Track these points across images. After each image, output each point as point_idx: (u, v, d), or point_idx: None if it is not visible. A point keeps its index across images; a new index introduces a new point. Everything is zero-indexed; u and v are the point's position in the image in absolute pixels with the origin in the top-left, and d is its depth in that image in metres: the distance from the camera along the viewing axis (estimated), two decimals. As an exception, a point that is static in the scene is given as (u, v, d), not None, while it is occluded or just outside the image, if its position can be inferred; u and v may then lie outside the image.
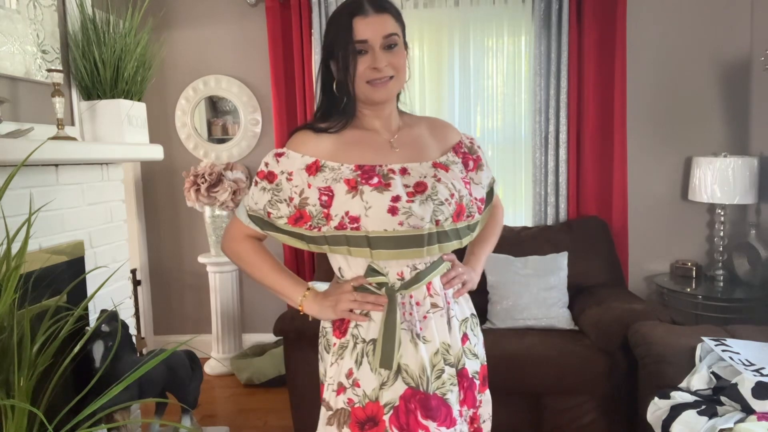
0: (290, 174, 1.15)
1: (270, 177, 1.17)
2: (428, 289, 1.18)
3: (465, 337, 1.24)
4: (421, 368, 1.13)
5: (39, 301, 1.72)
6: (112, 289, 2.31)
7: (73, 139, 2.01)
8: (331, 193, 1.12)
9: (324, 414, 1.18)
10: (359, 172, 1.13)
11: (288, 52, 3.26)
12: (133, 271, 3.33)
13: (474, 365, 1.25)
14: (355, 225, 1.10)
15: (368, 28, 1.11)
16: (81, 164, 2.16)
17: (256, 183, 1.19)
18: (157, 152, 2.43)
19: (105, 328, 1.97)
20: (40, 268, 1.83)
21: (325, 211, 1.12)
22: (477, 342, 1.28)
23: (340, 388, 1.15)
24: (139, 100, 2.39)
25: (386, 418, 1.11)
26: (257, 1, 3.33)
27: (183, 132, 3.52)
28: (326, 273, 2.69)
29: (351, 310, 1.16)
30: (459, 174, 1.21)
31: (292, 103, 3.29)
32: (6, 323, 1.33)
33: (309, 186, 1.14)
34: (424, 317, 1.17)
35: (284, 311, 2.47)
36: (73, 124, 2.26)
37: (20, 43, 1.96)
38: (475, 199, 1.23)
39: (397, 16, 1.16)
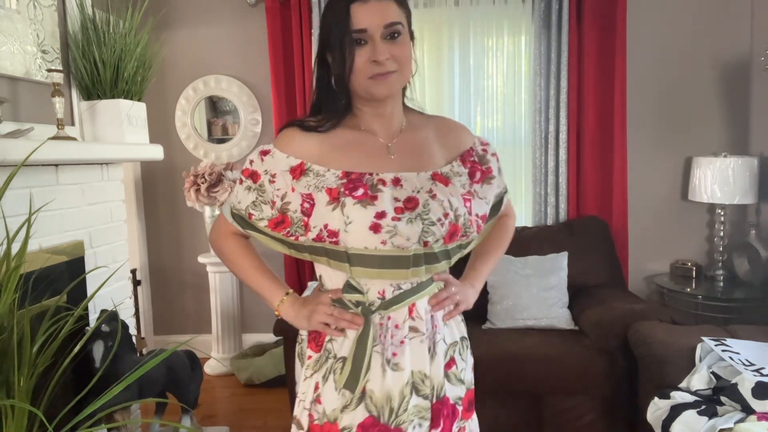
0: (273, 176, 1.06)
1: (254, 176, 1.09)
2: (410, 311, 1.06)
3: (452, 362, 1.13)
4: (386, 397, 1.04)
5: (39, 301, 1.72)
6: (112, 289, 2.31)
7: (73, 139, 2.01)
8: (312, 202, 1.03)
9: None
10: (344, 181, 1.02)
11: (288, 52, 3.26)
12: (133, 271, 3.33)
13: (457, 391, 1.14)
14: (334, 239, 1.01)
15: (367, 15, 0.99)
16: (81, 164, 2.16)
17: (241, 181, 1.11)
18: (157, 152, 2.43)
19: (105, 328, 1.97)
20: (40, 268, 1.83)
21: (305, 219, 1.04)
22: (465, 367, 1.17)
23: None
24: (139, 100, 2.39)
25: None
26: (257, 1, 3.33)
27: (183, 132, 3.52)
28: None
29: (327, 324, 1.08)
30: (460, 189, 1.08)
31: (292, 103, 3.29)
32: (6, 323, 1.33)
33: (293, 190, 1.05)
34: (401, 342, 1.05)
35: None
36: (73, 124, 2.26)
37: (20, 43, 1.96)
38: (476, 216, 1.10)
39: (401, 2, 1.04)
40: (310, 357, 1.11)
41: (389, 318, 1.05)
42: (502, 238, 1.28)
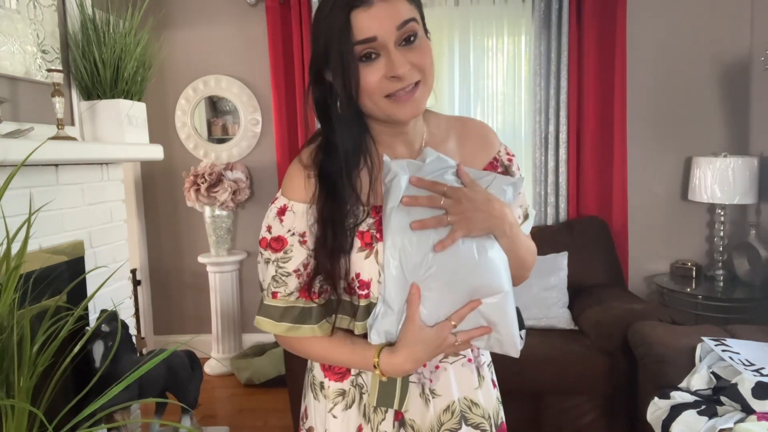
0: (302, 235, 0.89)
1: (276, 244, 0.90)
2: None
3: (493, 384, 1.04)
4: (429, 427, 0.94)
5: (39, 301, 1.72)
6: (112, 289, 2.31)
7: (73, 139, 2.01)
8: None
9: None
10: (375, 220, 0.88)
11: (288, 52, 3.26)
12: (133, 271, 3.33)
13: (503, 414, 1.05)
14: (365, 292, 0.88)
15: (375, 20, 0.79)
16: (81, 164, 2.16)
17: (261, 255, 0.93)
18: (157, 152, 2.43)
19: (105, 328, 1.97)
20: (40, 268, 1.83)
21: None
22: (497, 385, 1.08)
23: None
24: (139, 100, 2.39)
25: None
26: (257, 1, 3.33)
27: (183, 132, 3.52)
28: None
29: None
30: None
31: (292, 103, 3.30)
32: (6, 323, 1.33)
33: None
34: (436, 367, 0.94)
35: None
36: (73, 124, 2.26)
37: (20, 43, 1.96)
38: None
39: None
40: (329, 388, 0.97)
41: None
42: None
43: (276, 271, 0.90)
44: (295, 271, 0.89)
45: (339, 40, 0.80)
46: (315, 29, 0.85)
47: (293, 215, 0.89)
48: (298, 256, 0.89)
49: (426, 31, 0.87)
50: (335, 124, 0.87)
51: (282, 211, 0.90)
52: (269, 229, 0.91)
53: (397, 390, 0.91)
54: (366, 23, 0.79)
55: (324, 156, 0.89)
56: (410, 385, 0.93)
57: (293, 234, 0.89)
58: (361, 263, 0.87)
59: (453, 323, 0.86)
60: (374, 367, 0.88)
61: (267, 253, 0.91)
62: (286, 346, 0.96)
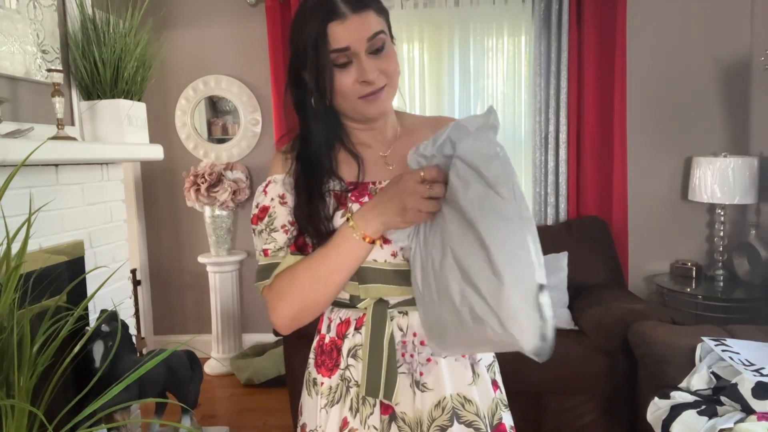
0: (282, 197, 0.98)
1: (262, 213, 0.99)
2: None
3: (495, 385, 1.04)
4: (417, 421, 0.95)
5: (39, 301, 1.72)
6: (112, 289, 2.31)
7: (73, 139, 2.00)
8: None
9: None
10: (351, 188, 0.97)
11: (288, 52, 3.26)
12: (133, 271, 3.33)
13: (509, 419, 1.04)
14: None
15: (348, 32, 0.89)
16: (81, 164, 2.16)
17: (254, 231, 1.01)
18: (157, 152, 2.43)
19: (105, 328, 1.97)
20: (40, 268, 1.83)
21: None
22: (502, 389, 1.08)
23: None
24: (139, 100, 2.39)
25: None
26: (257, 1, 3.34)
27: (183, 132, 3.52)
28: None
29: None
30: None
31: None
32: (6, 323, 1.33)
33: None
34: (428, 360, 0.96)
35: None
36: (73, 124, 2.26)
37: (20, 43, 1.96)
38: None
39: (379, 9, 0.94)
40: (322, 384, 1.01)
41: (415, 335, 0.96)
42: None
43: (266, 232, 0.98)
44: (282, 227, 0.97)
45: (316, 47, 0.91)
46: (294, 35, 0.97)
47: (274, 184, 1.00)
48: (281, 213, 0.97)
49: (392, 37, 0.98)
50: (311, 117, 0.99)
51: (266, 185, 1.01)
52: (257, 205, 1.01)
53: (382, 378, 0.93)
54: (341, 35, 0.89)
55: (301, 143, 1.01)
56: (400, 376, 0.95)
57: (273, 200, 0.99)
58: (337, 221, 0.95)
59: (422, 173, 0.85)
60: (349, 225, 0.90)
61: (258, 226, 0.99)
62: (280, 301, 0.95)
